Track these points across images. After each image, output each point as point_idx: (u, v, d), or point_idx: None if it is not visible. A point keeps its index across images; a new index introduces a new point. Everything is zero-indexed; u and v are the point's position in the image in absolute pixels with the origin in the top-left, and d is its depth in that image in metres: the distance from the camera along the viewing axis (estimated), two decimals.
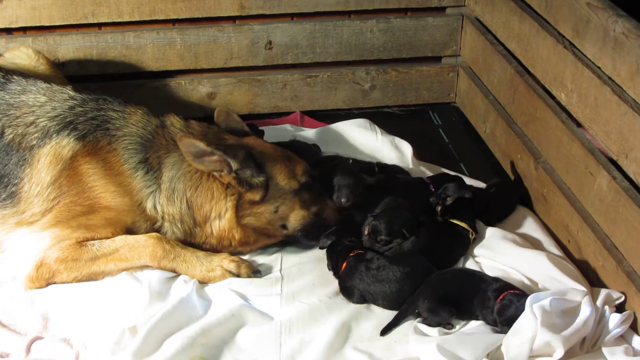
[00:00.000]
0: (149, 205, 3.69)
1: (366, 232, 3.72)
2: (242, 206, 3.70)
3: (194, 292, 3.51)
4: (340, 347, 3.30)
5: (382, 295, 3.47)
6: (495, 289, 3.34)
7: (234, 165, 3.61)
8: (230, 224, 3.70)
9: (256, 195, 3.69)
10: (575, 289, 3.37)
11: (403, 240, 3.70)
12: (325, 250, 3.74)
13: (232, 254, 3.74)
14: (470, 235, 3.77)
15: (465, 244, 3.77)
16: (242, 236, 3.74)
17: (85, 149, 3.66)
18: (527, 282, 3.55)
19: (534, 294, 3.31)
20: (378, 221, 3.70)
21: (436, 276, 3.47)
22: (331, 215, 3.87)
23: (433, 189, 3.98)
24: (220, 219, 3.70)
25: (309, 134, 4.83)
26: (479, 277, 3.44)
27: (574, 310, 3.26)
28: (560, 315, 3.20)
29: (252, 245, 3.81)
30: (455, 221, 3.79)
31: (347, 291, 3.55)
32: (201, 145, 3.56)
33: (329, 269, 3.70)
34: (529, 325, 3.14)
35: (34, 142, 3.67)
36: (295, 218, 3.79)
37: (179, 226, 3.72)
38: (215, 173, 3.65)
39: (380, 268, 3.50)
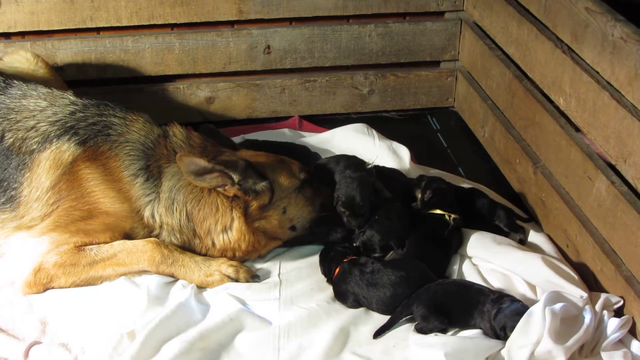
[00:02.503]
0: (146, 213, 3.69)
1: (361, 250, 3.77)
2: (252, 213, 3.70)
3: (192, 296, 3.50)
4: (338, 352, 3.30)
5: (376, 299, 3.47)
6: (493, 300, 3.33)
7: (236, 177, 3.61)
8: (239, 233, 3.69)
9: (265, 199, 3.70)
10: (578, 297, 3.38)
11: (396, 250, 3.73)
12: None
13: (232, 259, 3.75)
14: (447, 217, 3.77)
15: (450, 230, 3.78)
16: (250, 244, 3.73)
17: (85, 154, 3.66)
18: (525, 286, 3.54)
19: (551, 291, 3.32)
20: (368, 238, 3.74)
21: (435, 285, 3.46)
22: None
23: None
24: (227, 232, 3.69)
25: (306, 140, 4.83)
26: (477, 290, 3.42)
27: (577, 318, 3.27)
28: (563, 322, 3.21)
29: (261, 250, 3.82)
30: (433, 212, 3.81)
31: (341, 295, 3.55)
32: (202, 163, 3.55)
33: (322, 274, 3.71)
34: (536, 327, 3.14)
35: (34, 147, 3.67)
36: (303, 215, 3.81)
37: (177, 236, 3.72)
38: (219, 188, 3.65)
39: (374, 272, 3.51)
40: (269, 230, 3.77)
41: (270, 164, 3.79)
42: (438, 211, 3.80)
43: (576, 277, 3.53)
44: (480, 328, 3.33)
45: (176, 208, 3.68)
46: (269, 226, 3.76)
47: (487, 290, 3.41)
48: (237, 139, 4.49)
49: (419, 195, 3.89)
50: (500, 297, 3.33)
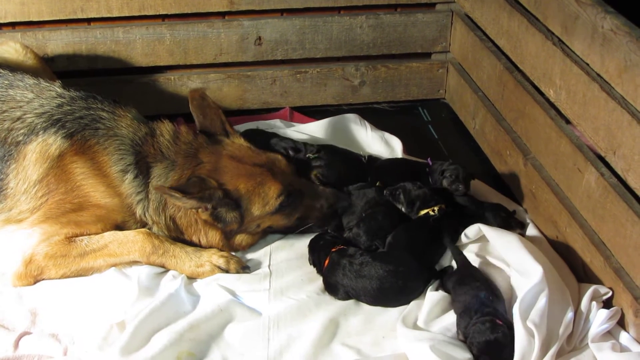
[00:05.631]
0: (138, 211, 3.71)
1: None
2: (226, 233, 3.76)
3: (182, 287, 3.51)
4: (328, 343, 3.31)
5: (363, 291, 3.48)
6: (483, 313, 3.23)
7: (209, 205, 3.64)
8: (220, 242, 3.76)
9: (234, 226, 3.74)
10: (537, 279, 3.29)
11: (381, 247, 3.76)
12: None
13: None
14: (431, 212, 3.79)
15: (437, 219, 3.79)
16: (233, 247, 3.80)
17: (73, 148, 3.64)
18: (505, 267, 3.53)
19: (517, 303, 3.24)
20: (354, 237, 3.77)
21: (468, 265, 3.52)
22: (314, 217, 3.88)
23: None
24: (208, 235, 3.75)
25: (299, 129, 4.83)
26: (479, 298, 3.29)
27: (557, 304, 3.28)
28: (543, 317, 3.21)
29: (247, 247, 3.87)
30: (421, 213, 3.83)
31: (331, 288, 3.56)
32: (176, 195, 3.52)
33: (311, 264, 3.72)
34: (521, 348, 3.11)
35: (20, 138, 3.65)
36: (279, 224, 3.86)
37: (167, 233, 3.76)
38: (193, 209, 3.68)
39: (363, 264, 3.51)
40: (247, 239, 3.83)
41: (247, 191, 3.72)
42: (424, 211, 3.81)
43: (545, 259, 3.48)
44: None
45: (163, 210, 3.71)
46: (247, 236, 3.82)
47: (489, 303, 3.26)
48: None
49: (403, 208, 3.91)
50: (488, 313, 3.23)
